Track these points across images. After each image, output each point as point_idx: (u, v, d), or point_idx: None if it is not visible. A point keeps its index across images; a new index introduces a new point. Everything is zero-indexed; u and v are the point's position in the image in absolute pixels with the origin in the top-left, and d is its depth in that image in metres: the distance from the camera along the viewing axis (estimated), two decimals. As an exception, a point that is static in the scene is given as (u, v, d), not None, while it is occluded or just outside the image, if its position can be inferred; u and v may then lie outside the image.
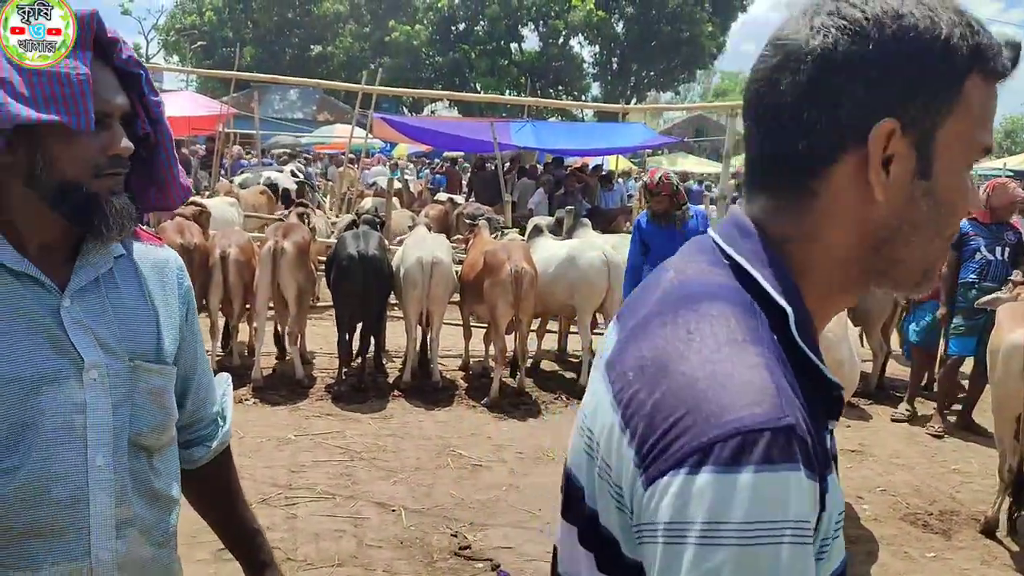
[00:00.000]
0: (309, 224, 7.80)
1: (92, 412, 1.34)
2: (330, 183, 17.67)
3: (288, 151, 23.03)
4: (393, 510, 4.85)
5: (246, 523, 1.75)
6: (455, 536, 4.54)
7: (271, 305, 7.18)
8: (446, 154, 23.84)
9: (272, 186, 12.38)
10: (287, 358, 7.40)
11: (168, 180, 1.51)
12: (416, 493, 5.11)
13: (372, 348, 7.44)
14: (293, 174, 14.85)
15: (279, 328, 7.69)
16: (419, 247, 7.14)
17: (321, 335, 8.37)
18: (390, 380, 7.35)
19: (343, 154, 16.90)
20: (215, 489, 1.72)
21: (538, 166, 17.24)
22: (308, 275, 7.11)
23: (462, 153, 22.10)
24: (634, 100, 43.03)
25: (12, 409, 1.28)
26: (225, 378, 1.78)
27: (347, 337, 7.06)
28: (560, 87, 44.70)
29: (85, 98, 1.28)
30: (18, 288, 1.32)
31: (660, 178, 6.14)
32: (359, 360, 7.28)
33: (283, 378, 7.16)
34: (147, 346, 1.43)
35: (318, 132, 30.32)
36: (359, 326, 7.17)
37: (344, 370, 7.14)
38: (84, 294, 1.37)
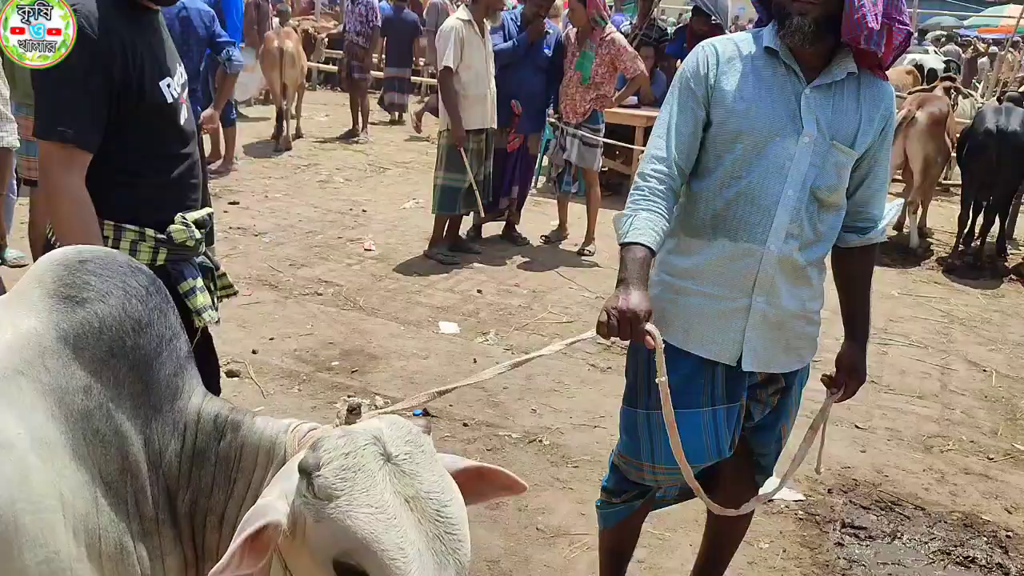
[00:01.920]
0: (952, 99, 7.72)
1: (795, 162, 2.08)
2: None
3: (945, 33, 21.59)
4: (984, 370, 5.04)
5: (860, 305, 2.35)
6: None
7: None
8: None
9: (919, 66, 12.18)
10: (903, 231, 7.62)
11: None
12: (1013, 364, 5.18)
13: (996, 229, 7.26)
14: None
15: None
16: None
17: (944, 215, 8.36)
18: (1008, 264, 7.14)
19: (1008, 37, 15.41)
20: (851, 271, 2.34)
21: None
22: (939, 148, 7.17)
23: None
24: None
25: (753, 145, 2.09)
26: (897, 204, 2.35)
27: (970, 214, 7.02)
28: None
29: None
30: (783, 73, 2.10)
31: None
32: (980, 240, 7.19)
33: (896, 247, 7.43)
34: (845, 136, 2.11)
35: (988, 12, 27.46)
36: (985, 204, 7.04)
37: (961, 247, 7.15)
38: (819, 89, 2.09)
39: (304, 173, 8.91)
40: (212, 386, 2.31)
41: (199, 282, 2.25)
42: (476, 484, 1.44)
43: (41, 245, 4.88)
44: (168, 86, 2.18)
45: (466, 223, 6.81)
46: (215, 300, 2.41)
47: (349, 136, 10.86)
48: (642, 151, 2.44)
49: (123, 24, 2.09)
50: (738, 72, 2.12)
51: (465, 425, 3.94)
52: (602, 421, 4.02)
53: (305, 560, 1.26)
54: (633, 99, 7.79)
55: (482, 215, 6.61)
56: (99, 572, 1.32)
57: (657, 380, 1.99)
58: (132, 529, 1.36)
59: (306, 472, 1.24)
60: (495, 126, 6.31)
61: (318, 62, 14.10)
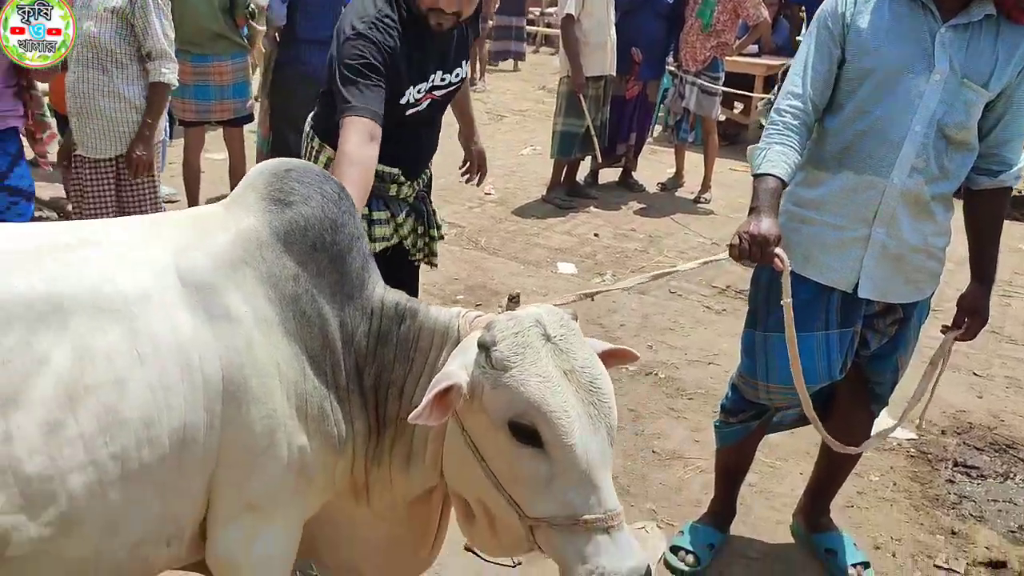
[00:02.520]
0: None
1: (924, 99, 2.16)
2: None
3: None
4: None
5: (987, 247, 2.37)
6: None
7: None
8: None
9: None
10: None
11: None
12: None
13: None
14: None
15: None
16: None
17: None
18: None
19: None
20: (980, 213, 2.37)
21: None
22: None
23: None
24: None
25: (884, 81, 2.16)
26: None
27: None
28: None
29: None
30: (919, 12, 2.17)
31: None
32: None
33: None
34: (978, 75, 2.16)
35: None
36: None
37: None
38: (955, 29, 2.15)
39: (425, 120, 9.19)
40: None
41: (383, 215, 2.58)
42: (609, 360, 1.65)
43: (194, 182, 5.34)
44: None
45: (583, 169, 6.97)
46: (420, 244, 2.79)
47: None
48: (761, 99, 2.56)
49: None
50: (874, 11, 2.20)
51: (583, 357, 4.15)
52: (716, 359, 4.17)
53: (483, 421, 1.50)
54: (754, 47, 7.73)
55: (599, 160, 6.75)
56: (305, 430, 1.59)
57: (782, 301, 2.13)
58: (330, 396, 1.62)
59: (484, 347, 1.47)
60: (614, 73, 6.40)
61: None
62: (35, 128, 3.21)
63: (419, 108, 2.54)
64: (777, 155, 2.20)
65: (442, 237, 2.90)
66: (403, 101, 2.46)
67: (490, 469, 1.53)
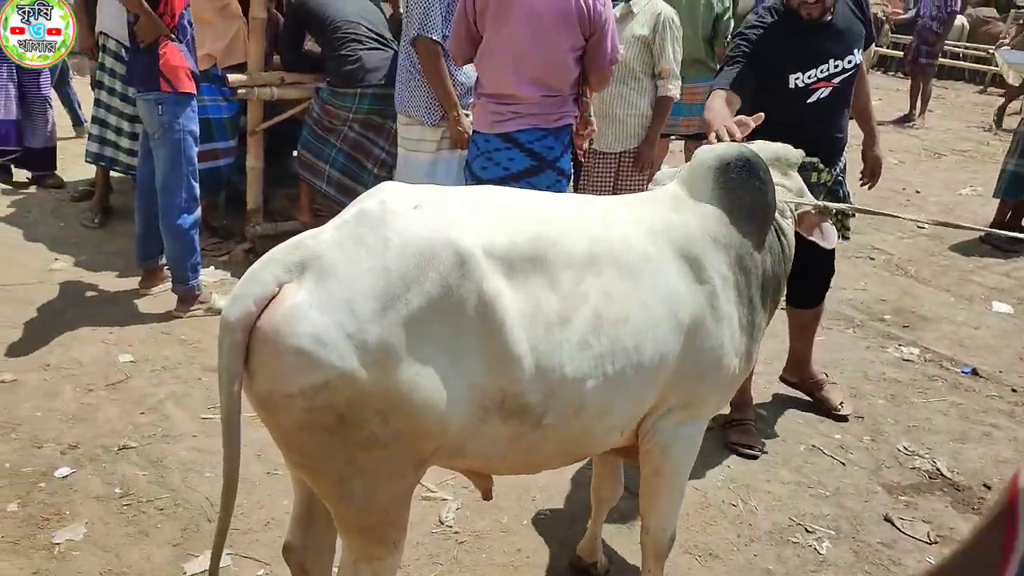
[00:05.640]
0: None
1: None
2: None
3: None
4: None
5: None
6: None
7: None
8: None
9: None
10: None
11: None
12: None
13: None
14: None
15: None
16: None
17: None
18: None
19: None
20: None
21: None
22: None
23: None
24: None
25: None
26: None
27: None
28: None
29: None
30: None
31: None
32: None
33: None
34: None
35: None
36: None
37: None
38: None
39: (856, 152, 9.29)
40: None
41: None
42: None
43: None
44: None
45: (1030, 214, 6.68)
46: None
47: (904, 120, 10.91)
48: None
49: None
50: None
51: (1014, 391, 4.20)
52: None
53: None
54: None
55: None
56: (736, 353, 2.18)
57: None
58: (754, 320, 2.25)
59: None
60: (1086, 117, 6.09)
61: (883, 46, 14.14)
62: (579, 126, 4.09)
63: (819, 96, 3.22)
64: None
65: (852, 215, 3.15)
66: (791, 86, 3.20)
67: None
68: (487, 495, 2.21)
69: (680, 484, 2.26)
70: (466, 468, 2.05)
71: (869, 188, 3.80)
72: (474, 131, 3.65)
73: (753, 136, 2.67)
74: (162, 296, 4.47)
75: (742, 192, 2.22)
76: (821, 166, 3.08)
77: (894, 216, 2.95)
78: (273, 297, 1.61)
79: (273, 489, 2.96)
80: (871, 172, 3.64)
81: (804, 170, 3.07)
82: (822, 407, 3.84)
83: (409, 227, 1.70)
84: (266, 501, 2.90)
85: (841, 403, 3.83)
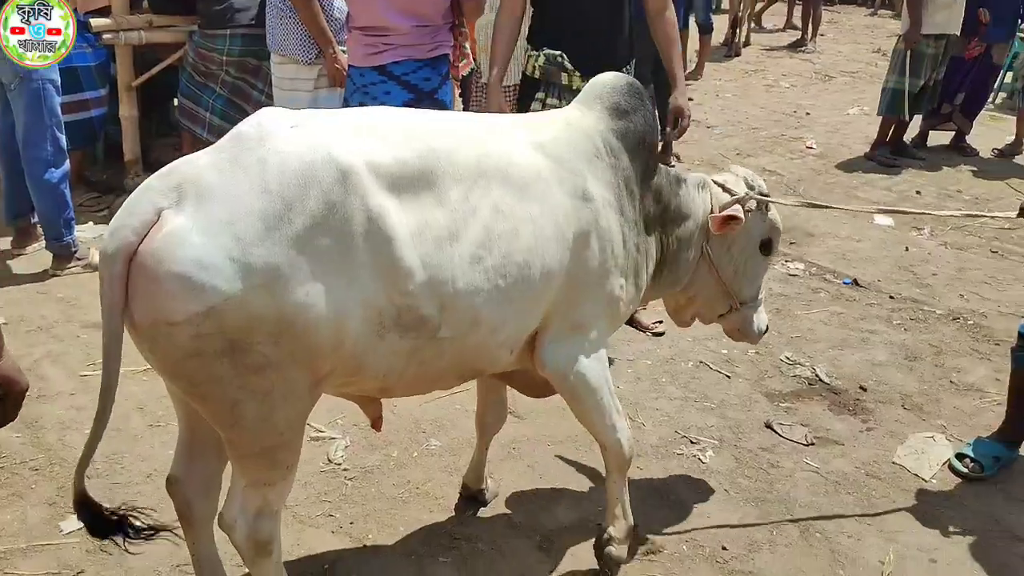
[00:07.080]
0: None
1: None
2: None
3: None
4: None
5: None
6: None
7: None
8: None
9: None
10: None
11: None
12: None
13: None
14: None
15: None
16: None
17: None
18: None
19: None
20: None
21: None
22: None
23: None
24: None
25: None
26: None
27: None
28: None
29: None
30: None
31: None
32: None
33: None
34: None
35: None
36: None
37: None
38: None
39: (751, 77, 9.46)
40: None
41: (555, 102, 3.15)
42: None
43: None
44: None
45: (912, 131, 6.92)
46: None
47: (797, 44, 11.11)
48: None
49: None
50: None
51: (891, 298, 4.39)
52: (1033, 314, 4.20)
53: (742, 240, 2.49)
54: None
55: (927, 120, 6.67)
56: (623, 274, 2.21)
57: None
58: (641, 249, 2.28)
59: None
60: (958, 33, 6.29)
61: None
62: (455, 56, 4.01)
63: None
64: None
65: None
66: None
67: (735, 270, 2.51)
68: (377, 424, 2.22)
69: (601, 401, 2.27)
70: (360, 392, 2.04)
71: (676, 139, 3.42)
72: (349, 66, 3.56)
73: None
74: (37, 255, 4.29)
75: (633, 116, 2.26)
76: (569, 66, 3.09)
77: (850, 210, 2.99)
78: (152, 225, 1.56)
79: (155, 441, 2.90)
80: (673, 121, 3.12)
81: (549, 63, 3.08)
82: (639, 327, 3.96)
83: (287, 146, 1.67)
84: (148, 453, 2.84)
85: (655, 323, 3.94)
